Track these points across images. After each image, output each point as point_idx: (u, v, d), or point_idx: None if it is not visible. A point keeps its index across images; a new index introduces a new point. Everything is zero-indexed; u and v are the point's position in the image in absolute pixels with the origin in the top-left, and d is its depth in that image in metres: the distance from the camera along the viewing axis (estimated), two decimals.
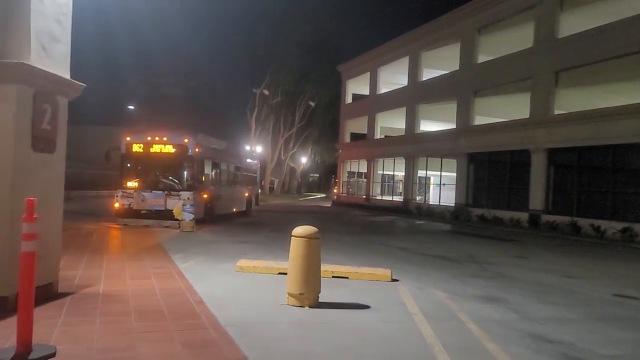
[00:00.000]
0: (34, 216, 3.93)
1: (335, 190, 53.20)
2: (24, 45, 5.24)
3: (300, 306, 5.88)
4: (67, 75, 5.98)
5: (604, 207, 18.75)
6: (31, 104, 5.30)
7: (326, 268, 7.57)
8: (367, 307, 6.17)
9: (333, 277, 7.70)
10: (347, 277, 7.83)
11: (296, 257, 5.90)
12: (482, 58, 25.96)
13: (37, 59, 5.36)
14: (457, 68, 27.39)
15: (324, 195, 61.59)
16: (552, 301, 7.20)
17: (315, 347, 4.58)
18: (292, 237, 5.99)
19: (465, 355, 4.54)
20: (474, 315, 6.06)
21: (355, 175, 41.59)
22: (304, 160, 63.88)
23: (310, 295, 5.91)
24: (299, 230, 5.99)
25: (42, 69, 5.35)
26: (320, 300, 6.07)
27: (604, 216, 18.42)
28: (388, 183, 38.07)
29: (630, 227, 17.02)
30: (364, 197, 36.93)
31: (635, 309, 7.03)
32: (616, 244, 16.57)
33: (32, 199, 3.98)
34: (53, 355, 3.92)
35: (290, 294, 5.96)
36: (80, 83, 6.11)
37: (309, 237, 5.92)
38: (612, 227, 17.59)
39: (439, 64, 30.51)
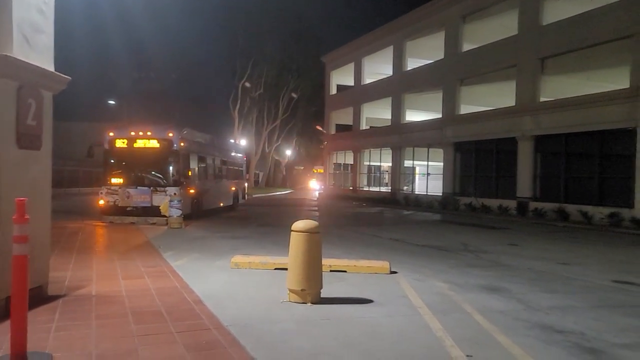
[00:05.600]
0: (26, 217, 3.69)
1: (313, 184, 52.22)
2: (6, 37, 4.95)
3: (303, 302, 5.71)
4: (51, 68, 5.70)
5: (591, 193, 18.91)
6: (15, 98, 5.03)
7: (323, 262, 7.35)
8: (370, 301, 6.04)
9: (331, 271, 7.55)
10: (345, 271, 7.68)
11: (297, 252, 5.72)
12: (467, 46, 25.91)
13: (19, 51, 5.07)
14: (442, 57, 27.32)
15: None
16: (553, 289, 7.15)
17: (323, 345, 4.42)
18: (292, 232, 5.81)
19: (477, 349, 4.42)
20: (478, 306, 5.97)
21: (342, 167, 41.47)
22: (288, 152, 63.53)
23: (312, 291, 5.74)
24: (299, 224, 5.81)
25: (25, 61, 5.07)
26: (321, 295, 5.91)
27: (591, 202, 18.58)
28: (375, 174, 38.04)
29: (617, 212, 17.19)
30: (351, 188, 36.85)
31: (637, 295, 7.01)
32: (604, 229, 16.72)
33: (22, 199, 3.74)
34: None
35: (291, 291, 5.79)
36: (65, 76, 5.83)
37: (309, 232, 5.74)
38: (599, 212, 17.75)
39: (424, 53, 30.42)
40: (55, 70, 5.79)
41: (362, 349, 4.37)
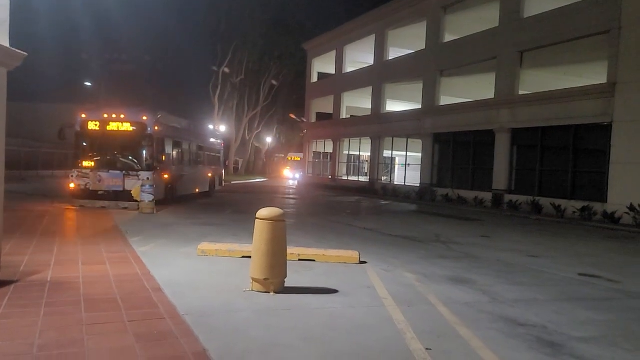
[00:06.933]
0: None
1: (287, 173, 51.67)
2: None
3: (266, 292, 5.59)
4: (6, 43, 5.41)
5: (564, 187, 19.12)
6: None
7: (292, 251, 7.31)
8: (335, 291, 5.94)
9: (299, 260, 7.45)
10: (314, 260, 7.59)
11: (260, 240, 5.59)
12: (448, 37, 25.85)
13: None
14: (423, 47, 27.24)
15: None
16: (519, 282, 7.16)
17: (279, 337, 4.30)
18: (256, 220, 5.67)
19: (438, 342, 4.36)
20: (444, 297, 5.92)
21: (321, 155, 41.30)
22: (269, 140, 63.11)
23: (275, 281, 5.62)
24: (263, 212, 5.67)
25: None
26: (286, 285, 5.80)
27: (564, 195, 18.79)
28: (354, 163, 37.98)
29: (589, 205, 17.39)
30: (330, 177, 36.75)
31: (600, 288, 7.05)
32: (575, 222, 16.92)
33: None
34: None
35: (254, 280, 5.66)
36: (20, 52, 5.55)
37: (273, 220, 5.61)
38: (572, 206, 17.95)
39: (405, 43, 30.27)
40: (20, 48, 5.52)
41: (319, 340, 4.27)
